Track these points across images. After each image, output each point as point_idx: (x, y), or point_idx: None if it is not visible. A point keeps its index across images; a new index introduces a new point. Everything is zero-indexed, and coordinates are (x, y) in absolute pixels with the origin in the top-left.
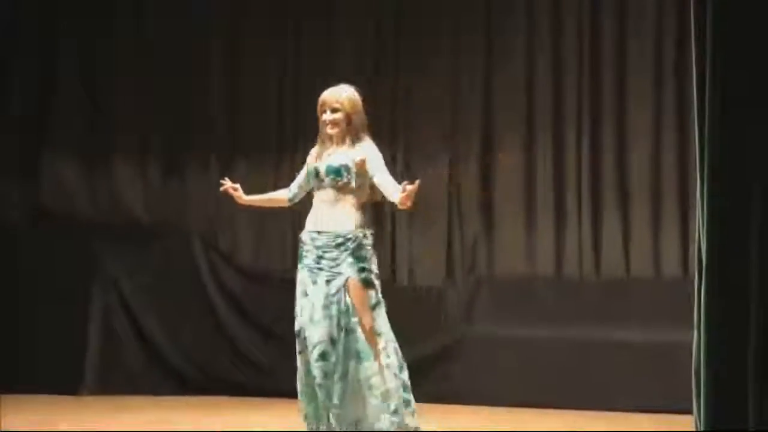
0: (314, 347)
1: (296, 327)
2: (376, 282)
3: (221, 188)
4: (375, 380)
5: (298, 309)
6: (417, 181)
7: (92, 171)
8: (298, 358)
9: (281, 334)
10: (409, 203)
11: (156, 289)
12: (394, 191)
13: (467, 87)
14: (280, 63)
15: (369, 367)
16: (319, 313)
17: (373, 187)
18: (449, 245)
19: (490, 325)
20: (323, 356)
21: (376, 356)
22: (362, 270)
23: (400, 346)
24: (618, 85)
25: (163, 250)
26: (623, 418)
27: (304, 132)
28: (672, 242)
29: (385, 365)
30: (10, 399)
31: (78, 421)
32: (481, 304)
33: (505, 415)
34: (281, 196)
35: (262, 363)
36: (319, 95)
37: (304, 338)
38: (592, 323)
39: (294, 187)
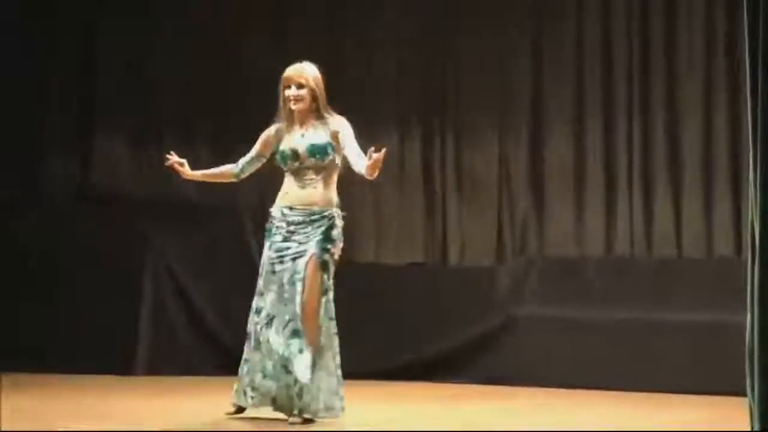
0: (285, 325)
1: (256, 304)
2: (332, 268)
3: (166, 163)
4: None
5: (261, 285)
6: (383, 150)
7: (143, 151)
8: (253, 334)
9: (336, 315)
10: (374, 172)
11: (207, 269)
12: (360, 160)
13: (516, 67)
14: (317, 45)
15: (298, 345)
16: (287, 291)
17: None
18: (499, 226)
19: (540, 306)
20: (296, 333)
21: (311, 336)
22: (325, 251)
23: (453, 326)
24: (668, 62)
25: (214, 230)
26: (673, 399)
27: (351, 111)
28: (724, 222)
29: (318, 348)
30: (61, 379)
31: (129, 403)
32: (531, 284)
33: (554, 397)
34: (228, 171)
35: None
36: (362, 79)
37: (270, 316)
38: (643, 304)
39: (242, 162)
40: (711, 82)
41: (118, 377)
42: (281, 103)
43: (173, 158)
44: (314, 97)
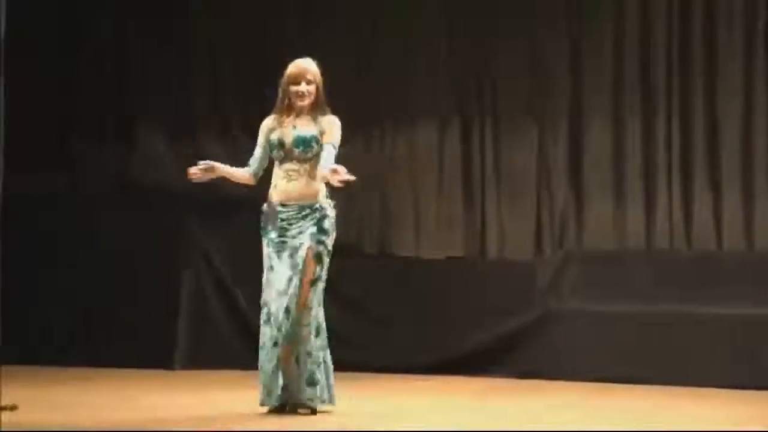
0: (285, 319)
1: (262, 299)
2: (326, 259)
3: (193, 179)
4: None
5: (264, 281)
6: (349, 178)
7: (181, 142)
8: (263, 329)
9: (370, 309)
10: (334, 179)
11: (246, 261)
12: (326, 163)
13: (555, 60)
14: (356, 42)
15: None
16: (284, 286)
17: None
18: (538, 219)
19: (579, 300)
20: (293, 327)
21: (298, 327)
22: (319, 242)
23: (491, 319)
24: (708, 54)
25: (253, 222)
26: (714, 394)
27: (390, 109)
28: (764, 214)
29: (302, 338)
30: (100, 373)
31: (168, 397)
32: (570, 278)
33: (591, 391)
34: (245, 176)
35: (351, 338)
36: (400, 76)
37: (275, 311)
38: (683, 298)
39: (254, 165)
40: (750, 75)
41: (158, 371)
42: (281, 97)
43: (196, 171)
44: (317, 94)
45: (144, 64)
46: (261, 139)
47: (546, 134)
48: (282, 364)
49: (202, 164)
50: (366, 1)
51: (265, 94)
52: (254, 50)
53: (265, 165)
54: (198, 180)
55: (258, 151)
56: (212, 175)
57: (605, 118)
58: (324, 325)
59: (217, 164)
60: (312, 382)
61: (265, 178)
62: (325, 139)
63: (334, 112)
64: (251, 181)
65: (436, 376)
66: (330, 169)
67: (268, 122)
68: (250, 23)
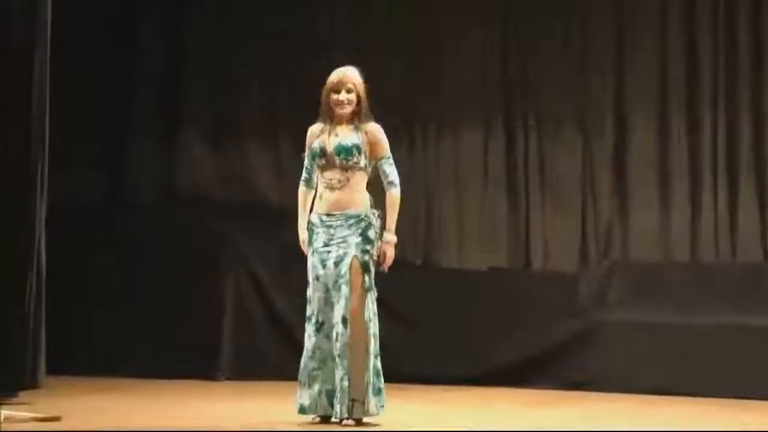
0: (333, 328)
1: (308, 311)
2: (372, 269)
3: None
4: (346, 361)
5: (310, 293)
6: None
7: (223, 151)
8: (308, 342)
9: (412, 320)
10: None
11: (287, 270)
12: (391, 185)
13: (599, 67)
14: (402, 45)
15: (340, 348)
16: (333, 296)
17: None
18: (583, 229)
19: (624, 311)
20: (338, 337)
21: (354, 340)
22: (364, 252)
23: (536, 330)
24: (754, 63)
25: (294, 232)
26: (759, 407)
27: (435, 114)
28: None
29: (360, 350)
30: (144, 384)
31: (208, 409)
32: (615, 289)
33: (635, 403)
34: (308, 194)
35: (393, 348)
36: (445, 79)
37: (320, 322)
38: (728, 309)
39: (307, 177)
40: None
41: (201, 382)
42: (324, 105)
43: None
44: (359, 102)
45: (192, 68)
46: (308, 149)
47: (591, 141)
48: (342, 374)
49: (303, 240)
50: (411, 4)
51: (311, 100)
52: (300, 54)
53: (315, 175)
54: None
55: (307, 160)
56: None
57: (649, 125)
58: (378, 334)
59: (302, 227)
60: (378, 392)
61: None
62: (378, 153)
63: (378, 119)
64: (312, 194)
65: (479, 387)
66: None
67: (313, 129)
68: (296, 27)
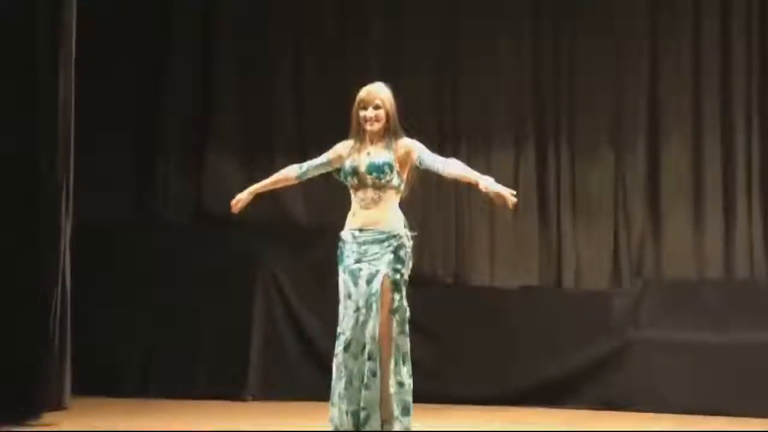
0: (363, 348)
1: (339, 329)
2: (403, 288)
3: (234, 209)
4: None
5: (341, 311)
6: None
7: (253, 170)
8: (335, 360)
9: (443, 339)
10: (499, 201)
11: (317, 290)
12: (447, 164)
13: (631, 83)
14: (435, 62)
15: (375, 367)
16: (364, 315)
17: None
18: (615, 247)
19: (657, 330)
20: (371, 356)
21: (385, 359)
22: (395, 271)
23: (567, 350)
24: None
25: (324, 250)
26: None
27: (467, 131)
28: None
29: (391, 370)
30: (171, 405)
31: (237, 427)
32: (648, 307)
33: (670, 422)
34: (289, 174)
35: (424, 368)
36: (477, 97)
37: (348, 340)
38: (764, 326)
39: (308, 165)
40: None
41: (228, 402)
42: (354, 123)
43: (236, 203)
44: (388, 119)
45: (221, 84)
46: (330, 154)
47: (623, 157)
48: (372, 394)
49: (237, 198)
50: (442, 19)
51: (343, 118)
52: (333, 72)
53: (316, 174)
54: (242, 207)
55: (318, 160)
56: (251, 199)
57: (683, 140)
58: (409, 354)
59: (250, 189)
60: (407, 412)
61: (340, 206)
62: (413, 156)
63: (409, 134)
64: (292, 181)
65: (510, 407)
66: (494, 192)
67: (345, 145)
68: (329, 44)
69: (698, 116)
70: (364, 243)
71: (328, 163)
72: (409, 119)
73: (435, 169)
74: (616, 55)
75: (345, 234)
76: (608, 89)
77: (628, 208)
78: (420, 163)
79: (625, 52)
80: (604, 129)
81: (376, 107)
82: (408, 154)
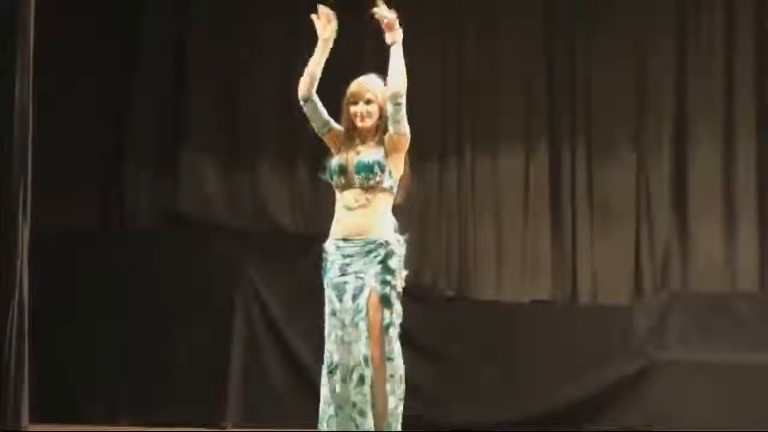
0: (351, 371)
1: (325, 349)
2: (396, 302)
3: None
4: (367, 409)
5: (327, 329)
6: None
7: (234, 174)
8: (323, 385)
9: (446, 359)
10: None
11: (304, 306)
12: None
13: (655, 72)
14: (442, 62)
15: (368, 392)
16: (350, 334)
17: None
18: (637, 257)
19: (684, 349)
20: (362, 380)
21: (380, 384)
22: (385, 284)
23: (583, 372)
24: None
25: (312, 261)
26: None
27: (471, 129)
28: None
29: (388, 396)
30: None
31: None
32: (674, 324)
33: None
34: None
35: (426, 391)
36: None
37: (334, 363)
38: None
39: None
40: None
41: (205, 430)
42: (343, 119)
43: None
44: (380, 115)
45: (198, 79)
46: (332, 121)
47: (646, 158)
48: (363, 421)
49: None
50: (441, 12)
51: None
52: (325, 73)
53: (319, 114)
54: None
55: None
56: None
57: (714, 138)
58: (403, 376)
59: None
60: None
61: (331, 213)
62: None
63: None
64: (310, 86)
65: None
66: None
67: (341, 133)
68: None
69: (730, 113)
70: (349, 254)
71: (328, 122)
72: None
73: (390, 94)
74: (638, 54)
75: (328, 244)
76: (628, 80)
77: (651, 213)
78: (387, 112)
79: (648, 51)
80: (625, 126)
81: (368, 102)
82: (387, 135)
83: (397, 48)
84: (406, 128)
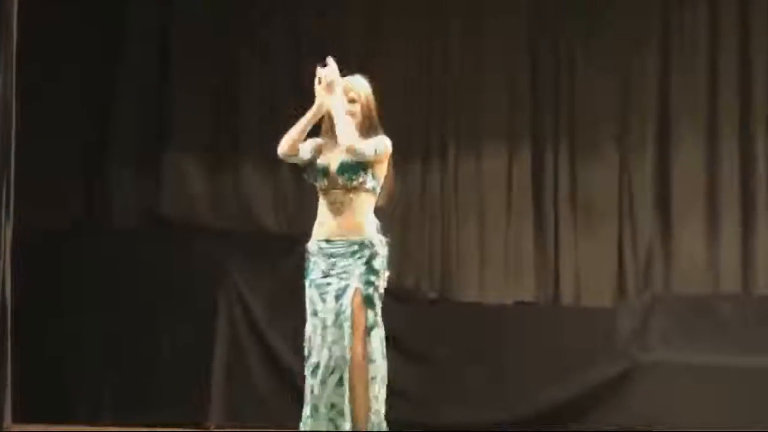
0: (331, 373)
1: (305, 351)
2: (378, 303)
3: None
4: (347, 410)
5: (308, 329)
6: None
7: (217, 174)
8: (308, 383)
9: (430, 361)
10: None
11: (287, 307)
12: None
13: (638, 70)
14: (426, 62)
15: (347, 393)
16: (332, 334)
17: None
18: (620, 258)
19: (667, 350)
20: (341, 381)
21: (360, 385)
22: (368, 284)
23: (567, 373)
24: None
25: (296, 262)
26: None
27: (454, 133)
28: None
29: (370, 397)
30: None
31: None
32: (657, 325)
33: None
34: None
35: (409, 393)
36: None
37: (316, 363)
38: None
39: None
40: None
41: (188, 431)
42: (326, 118)
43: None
44: (364, 115)
45: (181, 76)
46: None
47: (628, 158)
48: (342, 424)
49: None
50: (423, 10)
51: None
52: (305, 67)
53: (302, 159)
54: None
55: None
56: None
57: (697, 138)
58: (386, 379)
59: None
60: None
61: (315, 214)
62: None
63: (390, 134)
64: (294, 147)
65: None
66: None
67: (315, 142)
68: (308, 43)
69: (713, 113)
70: (333, 255)
71: (311, 156)
72: (388, 119)
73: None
74: (622, 53)
75: (311, 245)
76: (611, 79)
77: (634, 213)
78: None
79: (632, 50)
80: (609, 126)
81: (351, 101)
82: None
83: (334, 110)
84: (381, 151)
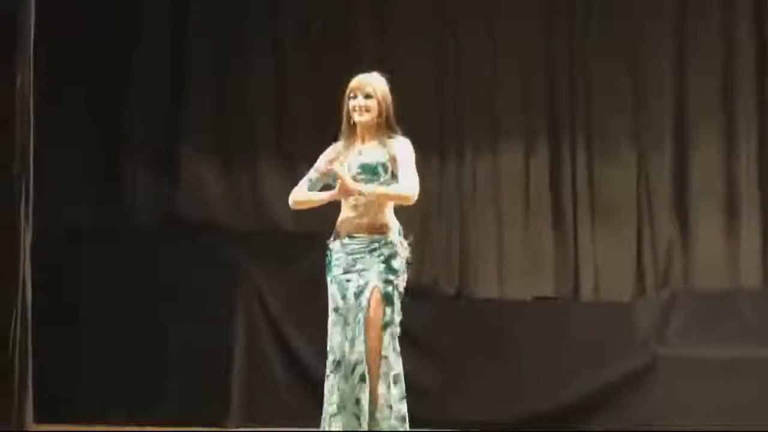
0: (353, 368)
1: (328, 345)
2: (397, 301)
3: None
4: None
5: (330, 326)
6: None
7: (234, 174)
8: (326, 382)
9: (448, 358)
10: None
11: (307, 305)
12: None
13: (656, 71)
14: (442, 62)
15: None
16: (351, 331)
17: None
18: (639, 254)
19: (686, 346)
20: (363, 378)
21: (373, 380)
22: (387, 283)
23: (586, 369)
24: None
25: (314, 261)
26: None
27: (471, 129)
28: None
29: (380, 393)
30: None
31: None
32: (676, 321)
33: None
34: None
35: (427, 390)
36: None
37: (337, 360)
38: None
39: (310, 188)
40: None
41: (208, 430)
42: (344, 116)
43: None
44: (380, 112)
45: (197, 78)
46: (320, 163)
47: (647, 156)
48: (362, 420)
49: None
50: (442, 10)
51: (332, 118)
52: (322, 69)
53: (319, 189)
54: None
55: (313, 175)
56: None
57: (715, 136)
58: (402, 375)
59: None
60: None
61: (333, 213)
62: (397, 168)
63: (407, 133)
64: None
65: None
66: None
67: (337, 146)
68: (322, 44)
69: (731, 112)
70: (353, 252)
71: (324, 174)
72: (407, 117)
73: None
74: (638, 52)
75: (332, 242)
76: (629, 77)
77: (652, 211)
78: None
79: (648, 49)
80: (626, 124)
81: (367, 96)
82: (394, 159)
83: (367, 194)
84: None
